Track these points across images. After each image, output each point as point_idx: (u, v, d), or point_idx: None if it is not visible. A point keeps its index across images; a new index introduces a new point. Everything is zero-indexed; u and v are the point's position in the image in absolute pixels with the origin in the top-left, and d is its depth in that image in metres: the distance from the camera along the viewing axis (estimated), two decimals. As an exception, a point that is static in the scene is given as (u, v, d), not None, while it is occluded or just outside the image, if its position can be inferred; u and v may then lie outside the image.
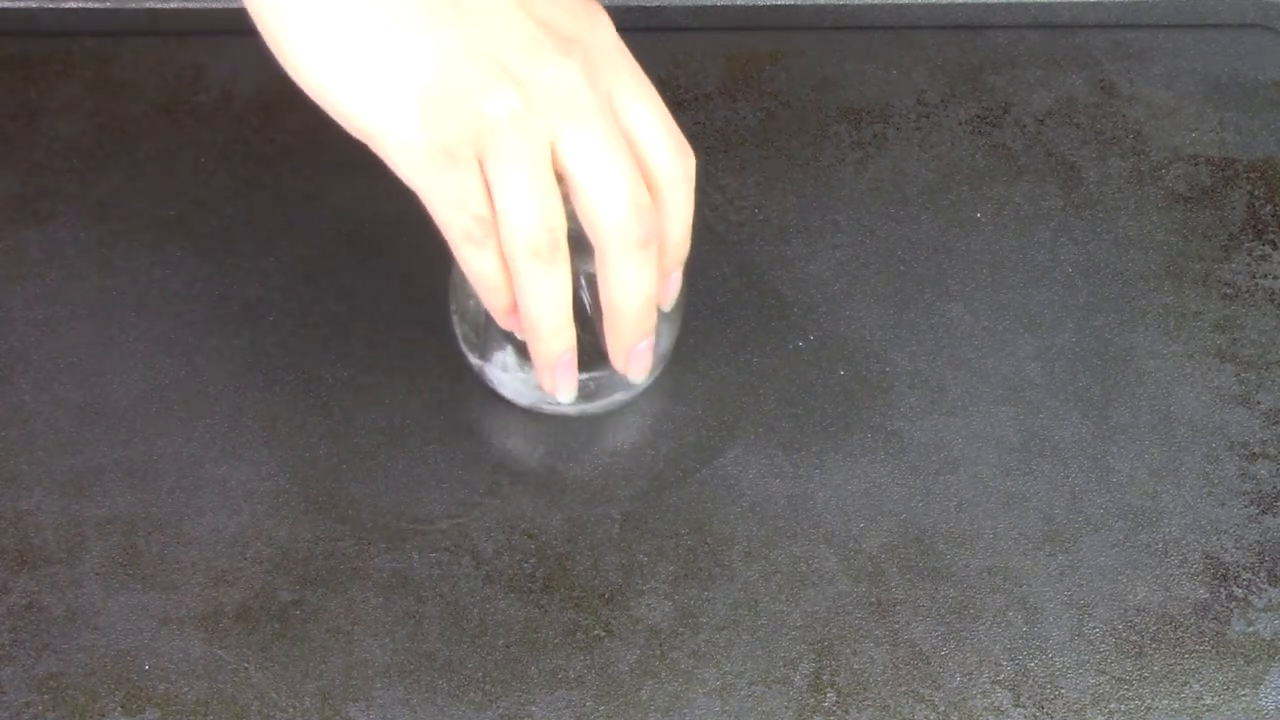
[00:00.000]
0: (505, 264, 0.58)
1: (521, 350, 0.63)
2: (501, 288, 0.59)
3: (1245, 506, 0.66)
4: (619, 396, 0.66)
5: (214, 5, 0.78)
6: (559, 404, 0.64)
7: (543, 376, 0.62)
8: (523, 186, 0.56)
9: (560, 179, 0.57)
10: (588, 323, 0.62)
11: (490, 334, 0.64)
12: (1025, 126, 0.77)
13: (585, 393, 0.64)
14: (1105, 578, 0.64)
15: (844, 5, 0.81)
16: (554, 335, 0.60)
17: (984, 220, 0.74)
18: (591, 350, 0.62)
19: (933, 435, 0.67)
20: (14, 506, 0.64)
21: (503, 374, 0.65)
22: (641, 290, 0.59)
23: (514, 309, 0.60)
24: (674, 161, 0.59)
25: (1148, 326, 0.71)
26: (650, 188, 0.58)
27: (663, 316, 0.64)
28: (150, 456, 0.65)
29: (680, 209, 0.60)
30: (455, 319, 0.66)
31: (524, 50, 0.56)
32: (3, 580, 0.62)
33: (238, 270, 0.70)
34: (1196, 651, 0.62)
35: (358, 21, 0.55)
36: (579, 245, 0.59)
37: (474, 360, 0.66)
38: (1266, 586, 0.64)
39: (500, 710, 0.60)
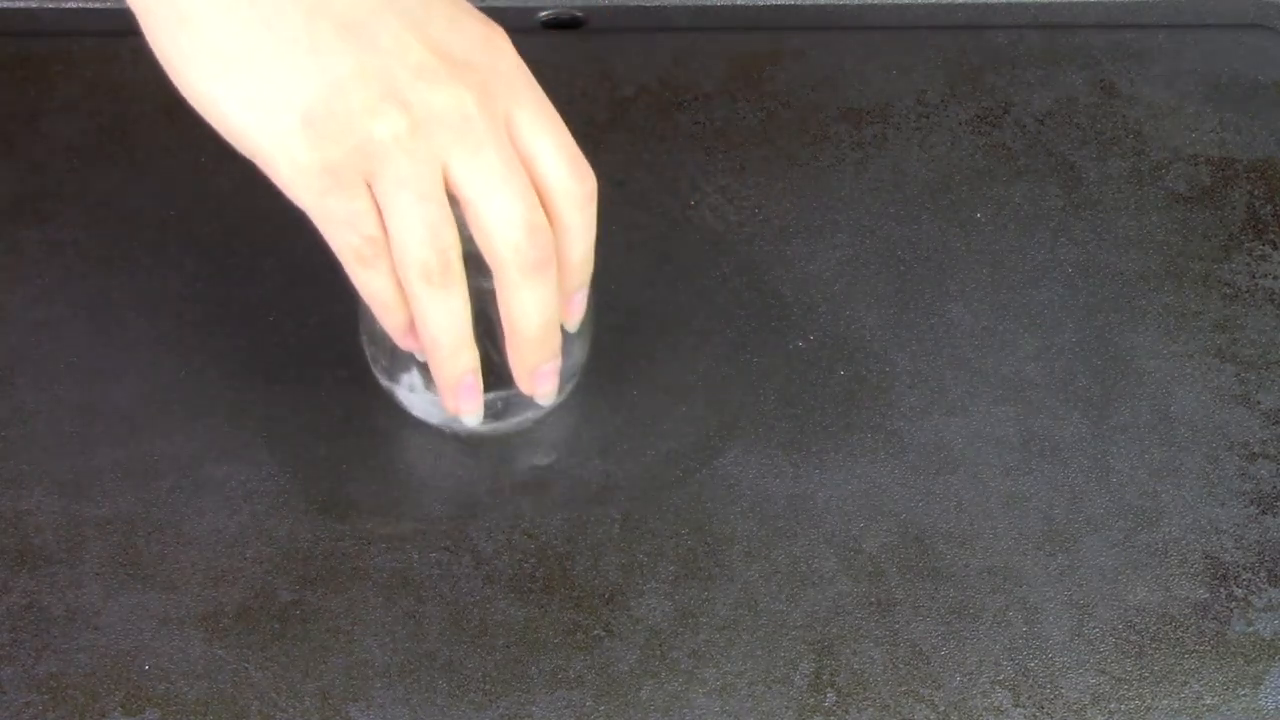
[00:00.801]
0: (397, 281, 0.58)
1: (427, 371, 0.62)
2: (395, 307, 0.59)
3: (1245, 506, 0.66)
4: (530, 414, 0.65)
5: (214, 5, 0.78)
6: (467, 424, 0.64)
7: (445, 398, 0.62)
8: (410, 209, 0.56)
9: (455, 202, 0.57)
10: (498, 340, 0.61)
11: (396, 355, 0.64)
12: (1025, 126, 0.77)
13: (493, 411, 0.64)
14: (1105, 578, 0.64)
15: (844, 5, 0.81)
16: (452, 356, 0.60)
17: (984, 220, 0.74)
18: (500, 369, 0.62)
19: (933, 435, 0.67)
20: (14, 506, 0.64)
21: (410, 395, 0.65)
22: (541, 312, 0.59)
23: (411, 329, 0.60)
24: (571, 183, 0.58)
25: (1148, 326, 0.71)
26: (549, 211, 0.58)
27: (571, 334, 0.63)
28: (150, 456, 0.65)
29: (579, 231, 0.59)
30: (364, 341, 0.65)
31: (414, 74, 0.55)
32: (3, 580, 0.62)
33: (238, 270, 0.70)
34: (1196, 651, 0.62)
35: (245, 42, 0.55)
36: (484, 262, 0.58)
37: (384, 382, 0.65)
38: (1266, 586, 0.64)
39: (500, 710, 0.60)
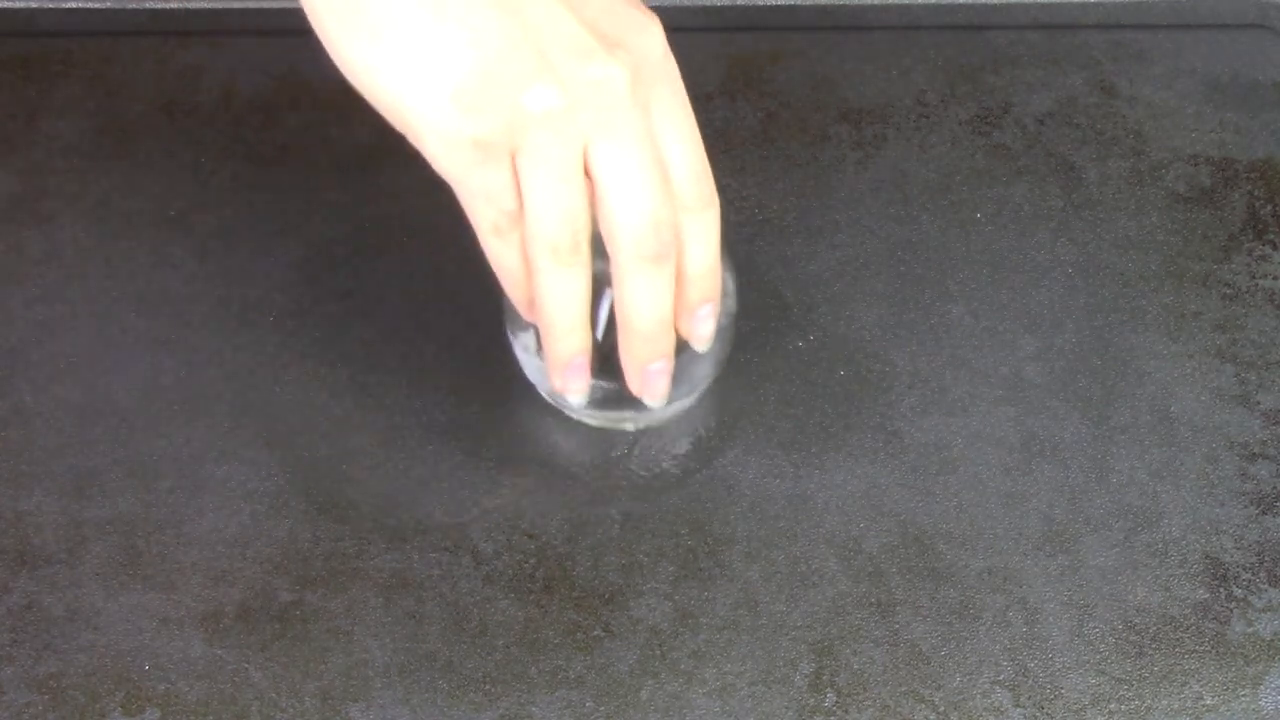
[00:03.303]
0: (527, 256, 0.58)
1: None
2: (523, 280, 0.59)
3: (1245, 506, 0.66)
4: (628, 413, 0.65)
5: (214, 5, 0.78)
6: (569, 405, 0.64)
7: (553, 374, 0.62)
8: (549, 185, 0.56)
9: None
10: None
11: (518, 314, 0.64)
12: (1025, 126, 0.77)
13: (594, 398, 0.64)
14: (1105, 578, 0.64)
15: (844, 5, 0.81)
16: (566, 335, 0.60)
17: (984, 220, 0.74)
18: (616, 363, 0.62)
19: (933, 435, 0.67)
20: (14, 506, 0.64)
21: (524, 354, 0.65)
22: (654, 308, 0.59)
23: (534, 302, 0.60)
24: (694, 189, 0.58)
25: (1148, 326, 0.71)
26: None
27: (699, 353, 0.63)
28: (150, 456, 0.65)
29: (699, 239, 0.59)
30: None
31: (569, 49, 0.55)
32: (3, 580, 0.62)
33: (238, 270, 0.70)
34: (1196, 651, 0.62)
35: (400, 14, 0.55)
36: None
37: (508, 332, 0.65)
38: (1266, 586, 0.64)
39: (500, 710, 0.60)
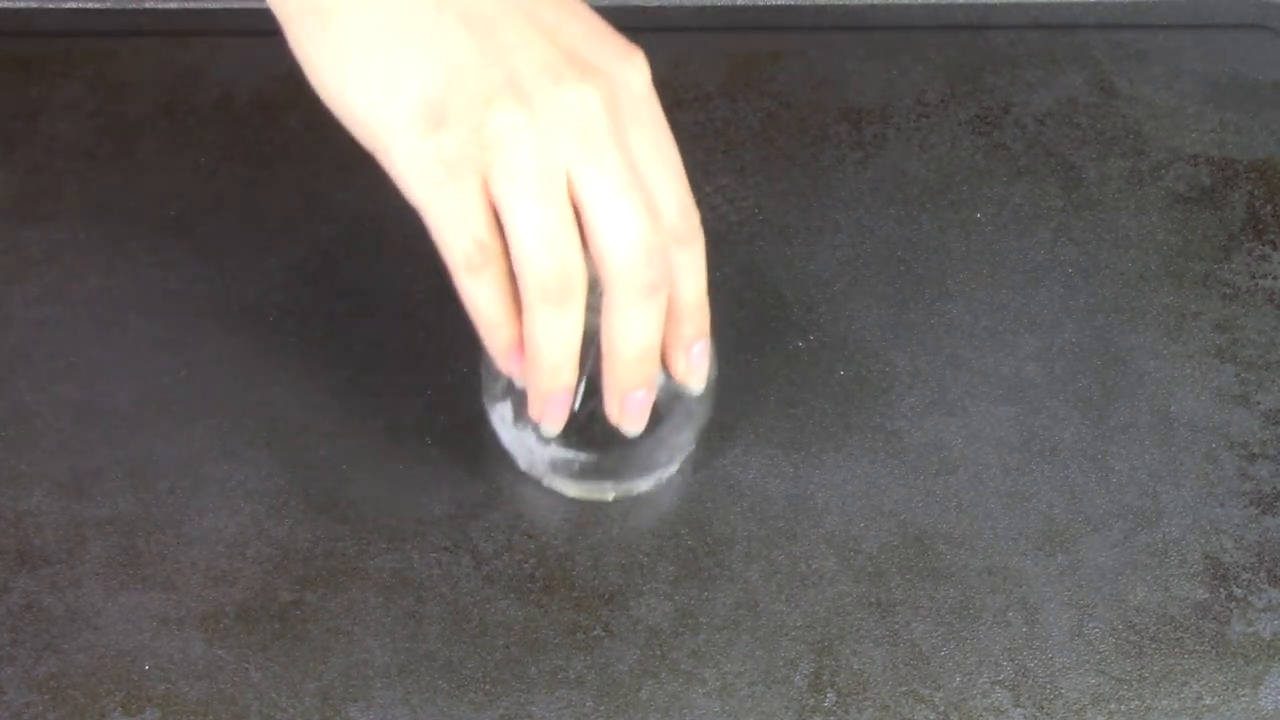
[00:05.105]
0: (507, 298, 0.56)
1: (520, 405, 0.61)
2: (501, 324, 0.57)
3: (1245, 506, 0.66)
4: (609, 483, 0.64)
5: (214, 5, 0.78)
6: (554, 479, 0.64)
7: (531, 404, 0.60)
8: (528, 209, 0.54)
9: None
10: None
11: (494, 379, 0.63)
12: (1025, 126, 0.77)
13: (570, 470, 0.63)
14: (1105, 578, 0.64)
15: (844, 5, 0.81)
16: (552, 374, 0.58)
17: (984, 220, 0.74)
18: (591, 434, 0.61)
19: (933, 435, 0.67)
20: (14, 506, 0.64)
21: (501, 425, 0.64)
22: (645, 336, 0.57)
23: (515, 350, 0.58)
24: (687, 220, 0.57)
25: (1148, 326, 0.71)
26: None
27: (686, 402, 0.62)
28: (150, 456, 0.65)
29: (689, 272, 0.58)
30: (484, 360, 0.63)
31: (540, 71, 0.54)
32: (3, 580, 0.62)
33: (238, 270, 0.70)
34: (1196, 651, 0.62)
35: (374, 33, 0.54)
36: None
37: (484, 401, 0.64)
38: (1266, 586, 0.64)
39: (500, 710, 0.60)
